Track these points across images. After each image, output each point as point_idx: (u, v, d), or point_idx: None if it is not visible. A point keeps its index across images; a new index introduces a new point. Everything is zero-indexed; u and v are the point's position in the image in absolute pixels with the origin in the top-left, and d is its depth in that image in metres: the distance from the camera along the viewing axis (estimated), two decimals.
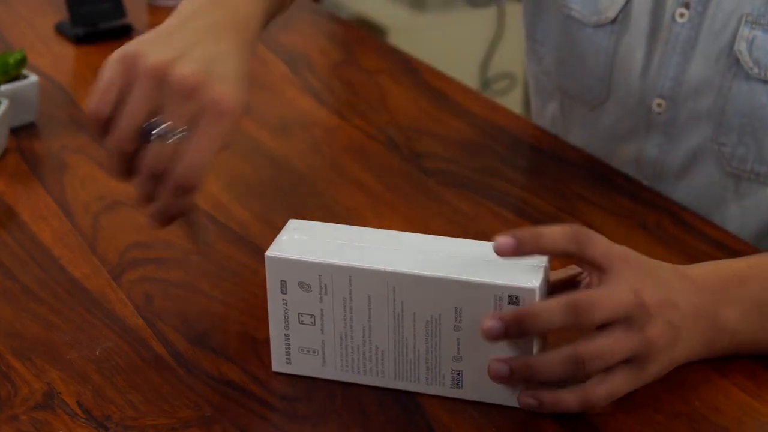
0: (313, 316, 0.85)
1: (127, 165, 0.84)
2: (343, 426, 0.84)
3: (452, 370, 0.85)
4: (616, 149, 1.19)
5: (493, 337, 0.80)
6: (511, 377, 0.81)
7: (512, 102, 2.76)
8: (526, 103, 2.85)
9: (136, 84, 0.81)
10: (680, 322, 0.82)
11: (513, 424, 0.84)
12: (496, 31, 2.80)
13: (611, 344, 0.79)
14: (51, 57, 1.45)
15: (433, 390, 0.86)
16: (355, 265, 0.83)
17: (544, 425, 0.84)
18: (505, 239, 0.79)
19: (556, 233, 0.80)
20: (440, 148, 1.24)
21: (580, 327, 0.80)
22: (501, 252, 0.80)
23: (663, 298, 0.81)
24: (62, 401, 0.87)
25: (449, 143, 1.25)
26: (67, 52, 1.48)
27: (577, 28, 1.17)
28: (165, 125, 0.79)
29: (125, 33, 1.51)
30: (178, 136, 0.78)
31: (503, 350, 0.82)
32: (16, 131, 1.26)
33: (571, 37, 1.18)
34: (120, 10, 1.51)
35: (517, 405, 0.84)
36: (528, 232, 0.80)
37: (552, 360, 0.80)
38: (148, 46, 0.83)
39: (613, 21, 1.14)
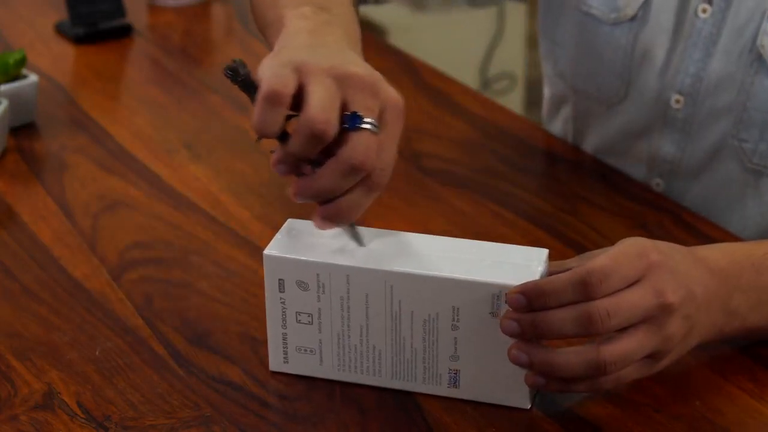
0: (310, 315, 0.85)
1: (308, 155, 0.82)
2: (342, 426, 0.84)
3: (449, 369, 0.84)
4: (631, 147, 1.19)
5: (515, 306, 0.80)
6: (529, 368, 0.81)
7: (512, 102, 2.76)
8: (527, 103, 2.85)
9: (314, 81, 0.79)
10: (695, 313, 0.82)
11: (513, 424, 0.84)
12: (496, 31, 2.80)
13: (635, 346, 0.79)
14: (51, 57, 1.45)
15: (430, 389, 0.86)
16: (352, 265, 0.83)
17: (545, 425, 0.84)
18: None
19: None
20: (440, 148, 1.24)
21: (599, 335, 0.80)
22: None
23: (684, 293, 0.81)
24: (62, 401, 0.87)
25: (449, 143, 1.25)
26: (66, 51, 1.48)
27: (595, 26, 1.17)
28: (364, 116, 0.79)
29: (125, 33, 1.51)
30: (375, 129, 0.79)
31: (501, 349, 0.82)
32: (15, 131, 1.26)
33: (589, 35, 1.17)
34: (120, 10, 1.51)
35: (513, 405, 0.84)
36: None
37: (573, 361, 0.79)
38: (306, 56, 0.81)
39: (633, 18, 1.14)
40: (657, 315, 0.80)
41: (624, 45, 1.15)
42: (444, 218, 1.11)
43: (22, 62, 1.27)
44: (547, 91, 1.32)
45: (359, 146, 0.79)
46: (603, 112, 1.20)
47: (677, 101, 1.12)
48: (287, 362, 0.88)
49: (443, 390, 0.85)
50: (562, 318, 0.79)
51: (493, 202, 1.13)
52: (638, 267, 0.80)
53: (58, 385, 0.88)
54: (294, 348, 0.87)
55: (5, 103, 1.21)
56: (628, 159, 1.19)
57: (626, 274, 0.80)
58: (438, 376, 0.85)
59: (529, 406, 0.84)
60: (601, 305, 0.78)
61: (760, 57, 1.06)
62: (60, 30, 1.51)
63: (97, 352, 0.92)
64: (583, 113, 1.24)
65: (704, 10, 1.09)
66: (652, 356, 0.81)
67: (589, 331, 0.78)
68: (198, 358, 0.91)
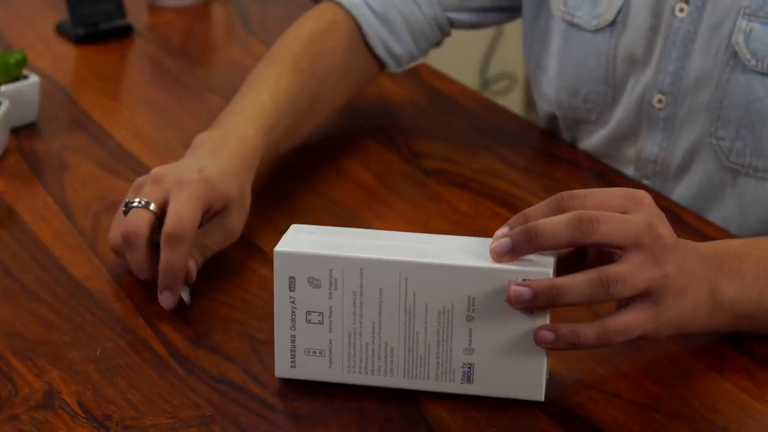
0: (321, 314, 0.85)
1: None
2: (343, 426, 0.84)
3: (463, 363, 0.84)
4: (620, 150, 1.19)
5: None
6: (534, 300, 0.81)
7: (512, 102, 2.76)
8: (526, 103, 2.85)
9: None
10: (688, 275, 0.83)
11: (513, 424, 0.84)
12: (496, 31, 2.80)
13: (632, 269, 0.81)
14: (51, 57, 1.46)
15: (442, 387, 0.85)
16: (367, 257, 0.83)
17: (544, 425, 0.84)
18: (500, 246, 0.81)
19: (557, 226, 0.81)
20: (440, 148, 1.24)
21: (608, 299, 0.81)
22: (498, 259, 0.81)
23: (674, 242, 0.83)
24: (63, 401, 0.87)
25: (449, 143, 1.25)
26: (67, 52, 1.48)
27: (578, 37, 1.18)
28: (140, 201, 0.97)
29: (125, 33, 1.51)
30: (141, 205, 0.96)
31: (516, 337, 0.82)
32: (16, 131, 1.26)
33: (573, 47, 1.18)
34: (120, 10, 1.51)
35: (526, 398, 0.84)
36: (524, 234, 0.81)
37: (578, 279, 0.80)
38: (165, 170, 1.00)
39: (612, 22, 1.15)
40: (649, 243, 0.81)
41: (606, 51, 1.16)
42: (444, 218, 1.11)
43: (23, 62, 1.27)
44: (540, 113, 1.32)
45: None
46: (593, 121, 1.21)
47: (659, 101, 1.13)
48: (294, 366, 0.87)
49: (456, 387, 0.85)
50: (555, 224, 0.80)
51: (493, 202, 1.13)
52: (627, 200, 0.83)
53: (59, 385, 0.88)
54: (303, 350, 0.86)
55: (6, 103, 1.21)
56: (618, 162, 1.20)
57: (613, 195, 0.83)
58: (451, 372, 0.85)
59: (542, 399, 0.84)
60: (590, 213, 0.80)
61: (735, 54, 1.07)
62: (60, 30, 1.52)
63: (97, 352, 0.92)
64: (573, 127, 1.24)
65: (681, 9, 1.11)
66: (651, 294, 0.81)
67: (586, 232, 0.80)
68: (198, 358, 0.91)
